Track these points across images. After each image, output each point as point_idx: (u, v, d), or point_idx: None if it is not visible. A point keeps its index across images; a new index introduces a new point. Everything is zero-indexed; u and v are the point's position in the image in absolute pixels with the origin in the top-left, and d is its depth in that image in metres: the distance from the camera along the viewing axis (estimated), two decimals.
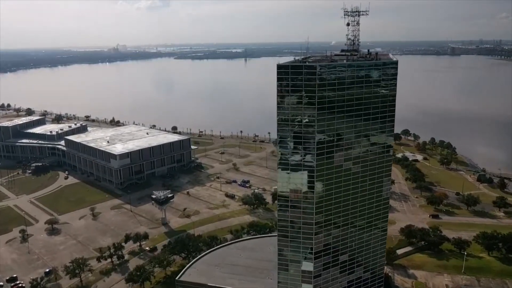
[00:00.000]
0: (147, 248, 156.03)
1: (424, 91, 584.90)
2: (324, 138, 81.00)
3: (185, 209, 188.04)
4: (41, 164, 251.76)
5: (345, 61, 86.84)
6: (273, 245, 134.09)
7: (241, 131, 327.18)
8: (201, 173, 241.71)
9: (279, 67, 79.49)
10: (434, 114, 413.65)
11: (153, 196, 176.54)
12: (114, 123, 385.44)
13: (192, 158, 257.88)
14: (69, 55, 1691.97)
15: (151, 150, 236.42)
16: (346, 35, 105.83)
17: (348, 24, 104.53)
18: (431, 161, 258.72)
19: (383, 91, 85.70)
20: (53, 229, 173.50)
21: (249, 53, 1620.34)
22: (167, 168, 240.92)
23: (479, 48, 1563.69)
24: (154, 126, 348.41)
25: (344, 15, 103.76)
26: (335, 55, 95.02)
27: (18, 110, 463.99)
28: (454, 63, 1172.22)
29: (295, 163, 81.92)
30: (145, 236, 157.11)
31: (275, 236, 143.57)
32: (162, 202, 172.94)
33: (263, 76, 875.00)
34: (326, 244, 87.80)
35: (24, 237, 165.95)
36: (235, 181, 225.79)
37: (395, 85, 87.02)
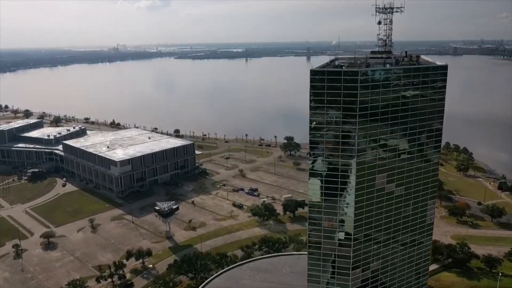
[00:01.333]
0: (150, 265, 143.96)
1: None
2: (365, 157, 69.14)
3: (190, 220, 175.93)
4: (37, 170, 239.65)
5: (388, 65, 74.72)
6: (289, 265, 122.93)
7: (246, 135, 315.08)
8: (206, 180, 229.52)
9: (314, 72, 67.49)
10: (445, 117, 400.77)
11: (157, 208, 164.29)
12: (115, 125, 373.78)
13: (197, 164, 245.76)
14: (69, 55, 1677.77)
15: (154, 156, 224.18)
16: (377, 34, 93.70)
17: (379, 23, 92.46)
18: (447, 167, 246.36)
19: (430, 99, 73.69)
20: (49, 243, 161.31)
21: (250, 53, 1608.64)
22: (170, 175, 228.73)
23: (481, 48, 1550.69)
24: (155, 129, 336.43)
25: (376, 12, 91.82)
26: (371, 57, 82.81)
27: (16, 112, 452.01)
28: (458, 63, 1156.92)
29: (330, 192, 69.92)
30: (149, 253, 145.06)
31: (291, 254, 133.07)
32: (166, 215, 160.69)
33: (265, 76, 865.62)
34: (364, 280, 75.59)
35: (18, 253, 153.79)
36: (242, 189, 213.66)
37: (444, 93, 75.04)
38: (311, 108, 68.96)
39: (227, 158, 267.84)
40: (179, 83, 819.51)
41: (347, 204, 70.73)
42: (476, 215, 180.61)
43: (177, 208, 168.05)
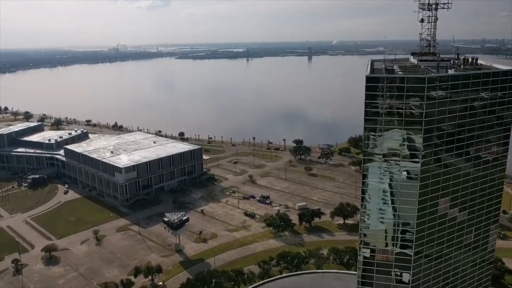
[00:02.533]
0: (160, 283, 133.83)
1: None
2: (428, 178, 59.08)
3: (201, 232, 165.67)
4: (38, 176, 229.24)
5: (452, 70, 64.53)
6: (313, 285, 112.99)
7: (254, 138, 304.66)
8: (214, 187, 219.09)
9: (370, 79, 57.43)
10: None
11: (165, 220, 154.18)
12: (117, 128, 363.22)
13: (204, 169, 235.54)
14: (69, 55, 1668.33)
15: (160, 161, 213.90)
16: (419, 34, 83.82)
17: (422, 21, 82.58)
18: None
19: (499, 110, 63.56)
20: (51, 257, 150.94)
21: (251, 53, 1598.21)
22: (177, 181, 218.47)
23: (483, 47, 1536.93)
24: (159, 131, 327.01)
25: (419, 8, 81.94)
26: (420, 60, 72.57)
27: (16, 114, 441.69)
28: None
29: (387, 219, 59.77)
30: (158, 269, 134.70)
31: (314, 273, 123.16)
32: (176, 227, 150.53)
33: (268, 77, 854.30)
34: None
35: (18, 268, 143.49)
36: (253, 197, 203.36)
37: None
38: (366, 119, 58.83)
39: (235, 162, 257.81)
40: (181, 83, 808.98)
41: (407, 232, 60.49)
42: (503, 225, 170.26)
43: (187, 220, 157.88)
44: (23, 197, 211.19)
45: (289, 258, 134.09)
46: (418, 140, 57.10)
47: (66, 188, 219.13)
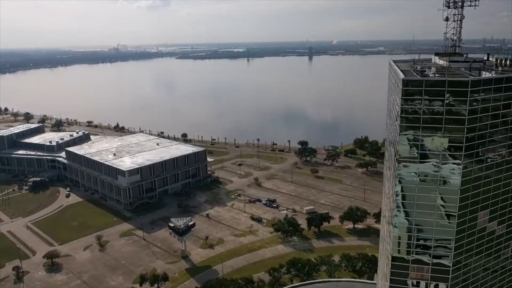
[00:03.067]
0: None
1: None
2: (468, 190, 54.50)
3: (207, 237, 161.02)
4: (39, 179, 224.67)
5: (493, 72, 59.86)
6: None
7: (258, 139, 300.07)
8: (219, 190, 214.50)
9: (407, 82, 52.75)
10: None
11: (171, 225, 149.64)
12: (119, 129, 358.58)
13: (208, 172, 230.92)
14: (69, 55, 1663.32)
15: (164, 164, 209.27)
16: (444, 33, 79.32)
17: (447, 19, 77.99)
18: None
19: None
20: (53, 264, 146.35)
21: (251, 53, 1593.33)
22: (181, 184, 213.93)
23: (484, 47, 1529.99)
24: (162, 133, 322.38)
25: (444, 6, 77.43)
26: (451, 61, 67.97)
27: (16, 115, 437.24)
28: None
29: (422, 235, 55.11)
30: (164, 277, 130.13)
31: (327, 282, 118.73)
32: (182, 233, 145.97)
33: (270, 77, 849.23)
34: None
35: (19, 276, 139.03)
36: (259, 200, 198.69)
37: None
38: (402, 126, 54.08)
39: (239, 164, 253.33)
40: (182, 83, 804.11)
41: (445, 247, 55.85)
42: None
43: (194, 225, 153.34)
44: (24, 200, 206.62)
45: (299, 265, 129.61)
46: (459, 148, 52.55)
47: (68, 191, 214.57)
